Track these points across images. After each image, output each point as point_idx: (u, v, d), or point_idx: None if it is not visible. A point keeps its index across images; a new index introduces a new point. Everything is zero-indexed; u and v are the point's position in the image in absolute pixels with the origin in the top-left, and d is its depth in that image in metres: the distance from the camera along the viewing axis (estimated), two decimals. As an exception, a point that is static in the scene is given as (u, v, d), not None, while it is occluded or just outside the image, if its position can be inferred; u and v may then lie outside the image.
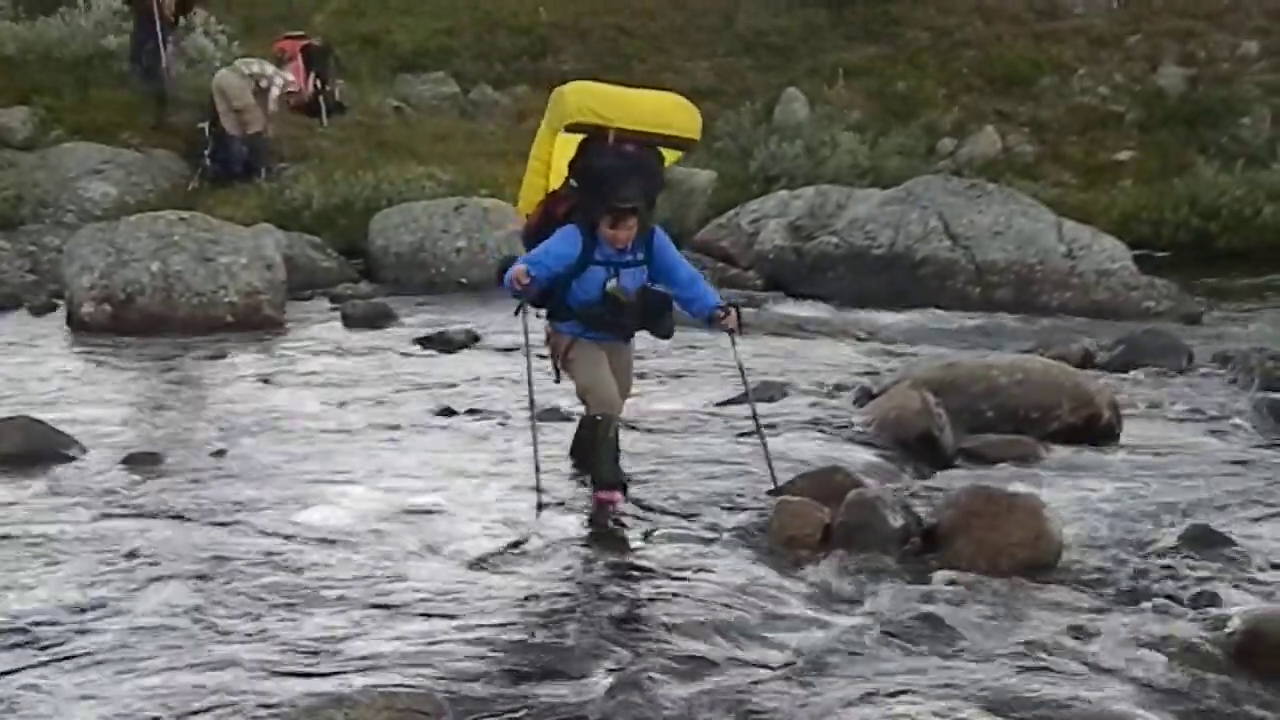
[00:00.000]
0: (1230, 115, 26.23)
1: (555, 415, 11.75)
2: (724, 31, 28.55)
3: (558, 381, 9.75)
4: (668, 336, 9.79)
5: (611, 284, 9.25)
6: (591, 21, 29.18)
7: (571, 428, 10.52)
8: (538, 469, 9.46)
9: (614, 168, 9.28)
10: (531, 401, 9.71)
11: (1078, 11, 29.75)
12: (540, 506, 9.28)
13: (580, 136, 9.46)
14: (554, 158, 9.61)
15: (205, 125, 23.38)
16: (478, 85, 28.56)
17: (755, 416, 10.01)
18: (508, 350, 14.95)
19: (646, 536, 8.93)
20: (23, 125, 23.74)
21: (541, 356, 9.71)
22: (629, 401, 10.04)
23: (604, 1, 30.47)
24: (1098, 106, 27.16)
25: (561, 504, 9.36)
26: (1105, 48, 28.45)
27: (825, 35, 29.20)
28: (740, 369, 10.07)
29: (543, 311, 9.63)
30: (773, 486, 9.65)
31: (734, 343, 9.75)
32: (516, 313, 9.43)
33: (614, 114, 9.45)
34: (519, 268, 9.05)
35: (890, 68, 28.32)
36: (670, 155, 9.82)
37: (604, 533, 9.02)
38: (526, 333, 9.52)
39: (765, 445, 9.88)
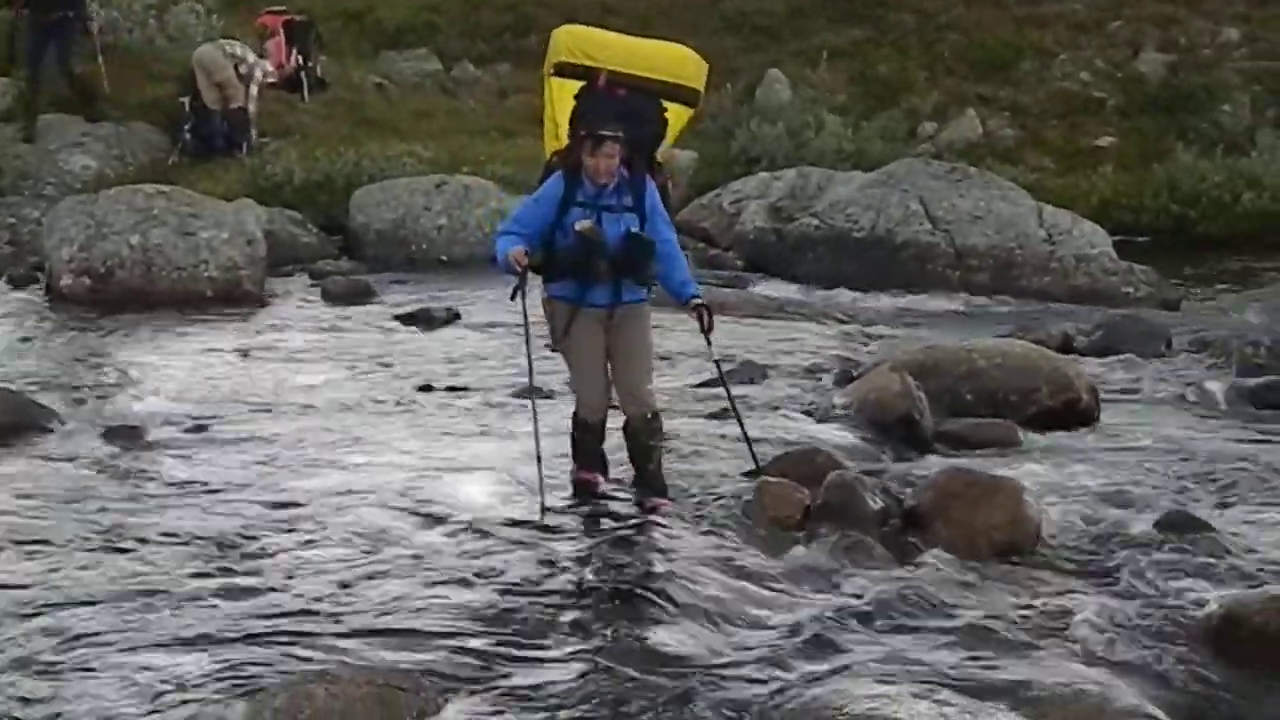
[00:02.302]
0: (1210, 102, 26.23)
1: (539, 393, 11.77)
2: (710, 11, 28.53)
3: (554, 349, 9.38)
4: (649, 284, 9.22)
5: (582, 223, 8.86)
6: (575, 0, 29.10)
7: (556, 404, 10.50)
8: (539, 460, 9.08)
9: (597, 105, 9.11)
10: (532, 387, 9.52)
11: (1060, -4, 29.80)
12: (544, 507, 8.95)
13: (578, 84, 9.26)
14: (556, 109, 9.36)
15: (186, 100, 23.26)
16: (460, 63, 28.46)
17: (732, 401, 9.90)
18: (488, 327, 14.97)
19: (628, 517, 8.94)
20: (2, 97, 23.63)
21: (539, 336, 9.38)
22: (661, 390, 9.67)
23: (588, -20, 30.46)
24: (1078, 92, 27.16)
25: (547, 487, 9.23)
26: (1086, 33, 28.45)
27: (810, 17, 29.15)
28: (718, 366, 9.96)
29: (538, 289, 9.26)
30: (753, 467, 9.64)
31: (709, 342, 9.40)
32: (513, 297, 9.04)
33: (603, 55, 9.29)
34: (516, 249, 8.84)
35: (873, 50, 28.29)
36: (679, 115, 9.45)
37: (585, 514, 9.02)
38: (526, 317, 9.20)
39: (744, 428, 9.78)
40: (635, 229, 8.96)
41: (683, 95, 9.45)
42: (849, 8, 29.47)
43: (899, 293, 18.35)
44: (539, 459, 9.08)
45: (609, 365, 9.23)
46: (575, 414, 9.40)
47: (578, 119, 9.17)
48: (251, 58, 23.54)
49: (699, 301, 9.25)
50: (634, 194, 9.01)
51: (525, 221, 9.06)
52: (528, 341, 9.32)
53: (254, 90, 23.30)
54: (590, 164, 8.84)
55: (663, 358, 12.80)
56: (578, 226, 8.86)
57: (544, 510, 8.91)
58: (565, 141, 9.21)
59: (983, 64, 27.96)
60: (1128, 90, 26.89)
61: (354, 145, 22.23)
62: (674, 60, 9.52)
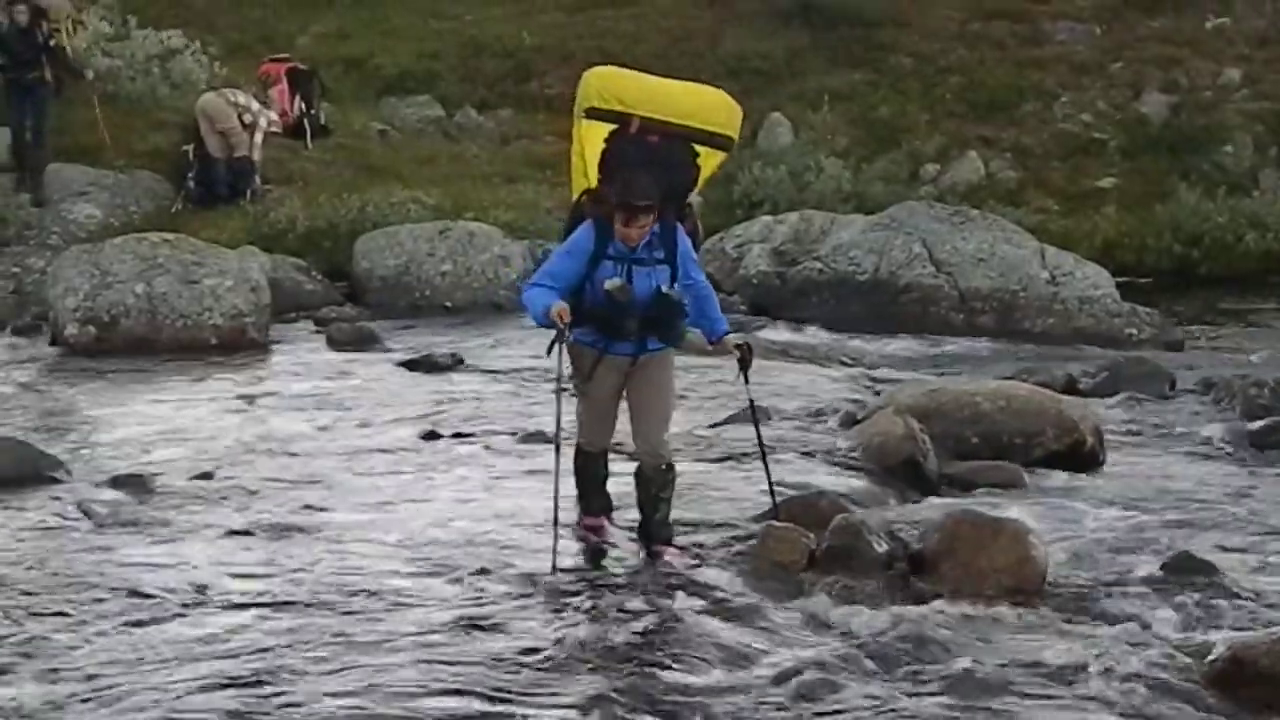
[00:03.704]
0: (1212, 142, 26.26)
1: (541, 439, 11.81)
2: (708, 56, 28.55)
3: (576, 393, 9.21)
4: (676, 344, 9.12)
5: (611, 282, 8.69)
6: (576, 45, 29.15)
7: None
8: (557, 509, 8.99)
9: (630, 160, 8.84)
10: (558, 439, 9.15)
11: (1061, 38, 29.83)
12: (556, 551, 8.86)
13: (609, 127, 9.00)
14: (586, 149, 9.05)
15: (190, 148, 23.33)
16: (462, 108, 28.54)
17: (761, 443, 9.80)
18: (492, 373, 14.99)
19: (633, 562, 8.95)
20: (7, 147, 23.65)
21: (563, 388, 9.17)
22: (677, 429, 9.57)
23: (588, 26, 30.51)
24: (1080, 133, 27.21)
25: (551, 531, 9.15)
26: (1088, 74, 28.50)
27: (809, 60, 29.22)
28: (752, 405, 9.81)
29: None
30: (774, 512, 9.54)
31: (746, 379, 9.33)
32: (550, 350, 8.89)
33: (636, 101, 9.02)
34: (561, 305, 8.60)
35: (874, 93, 28.35)
36: (711, 158, 9.19)
37: (591, 558, 9.03)
38: (560, 369, 8.94)
39: (768, 470, 9.70)
40: (667, 282, 8.81)
41: (717, 142, 9.22)
42: (848, 51, 29.53)
43: (902, 336, 18.33)
44: (556, 507, 8.97)
45: (628, 409, 9.16)
46: (577, 446, 9.34)
47: (609, 163, 8.95)
48: (255, 106, 23.63)
49: (738, 341, 9.25)
50: (665, 245, 8.84)
51: (557, 275, 8.84)
52: (559, 396, 9.09)
53: (258, 138, 23.38)
54: (623, 233, 8.66)
55: (681, 396, 12.81)
56: (607, 285, 8.70)
57: (555, 555, 8.83)
58: (594, 183, 9.00)
59: (984, 106, 28.02)
60: (1130, 131, 26.93)
61: (357, 192, 22.27)
62: (708, 106, 9.27)
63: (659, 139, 9.02)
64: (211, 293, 16.78)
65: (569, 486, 9.41)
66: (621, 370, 9.02)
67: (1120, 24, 29.97)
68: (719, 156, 9.32)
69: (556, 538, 8.92)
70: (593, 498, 9.47)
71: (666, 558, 8.95)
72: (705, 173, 9.27)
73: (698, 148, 9.15)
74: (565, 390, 9.11)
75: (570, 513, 9.41)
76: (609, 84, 9.18)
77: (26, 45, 21.59)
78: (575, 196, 9.25)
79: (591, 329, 8.91)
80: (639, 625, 7.85)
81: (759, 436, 9.85)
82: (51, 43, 22.09)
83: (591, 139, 9.08)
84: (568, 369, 9.01)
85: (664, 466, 9.17)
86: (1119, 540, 9.61)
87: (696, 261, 9.15)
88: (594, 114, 9.09)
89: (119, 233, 19.56)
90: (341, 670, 7.17)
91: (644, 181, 8.64)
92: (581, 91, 9.19)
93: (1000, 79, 28.50)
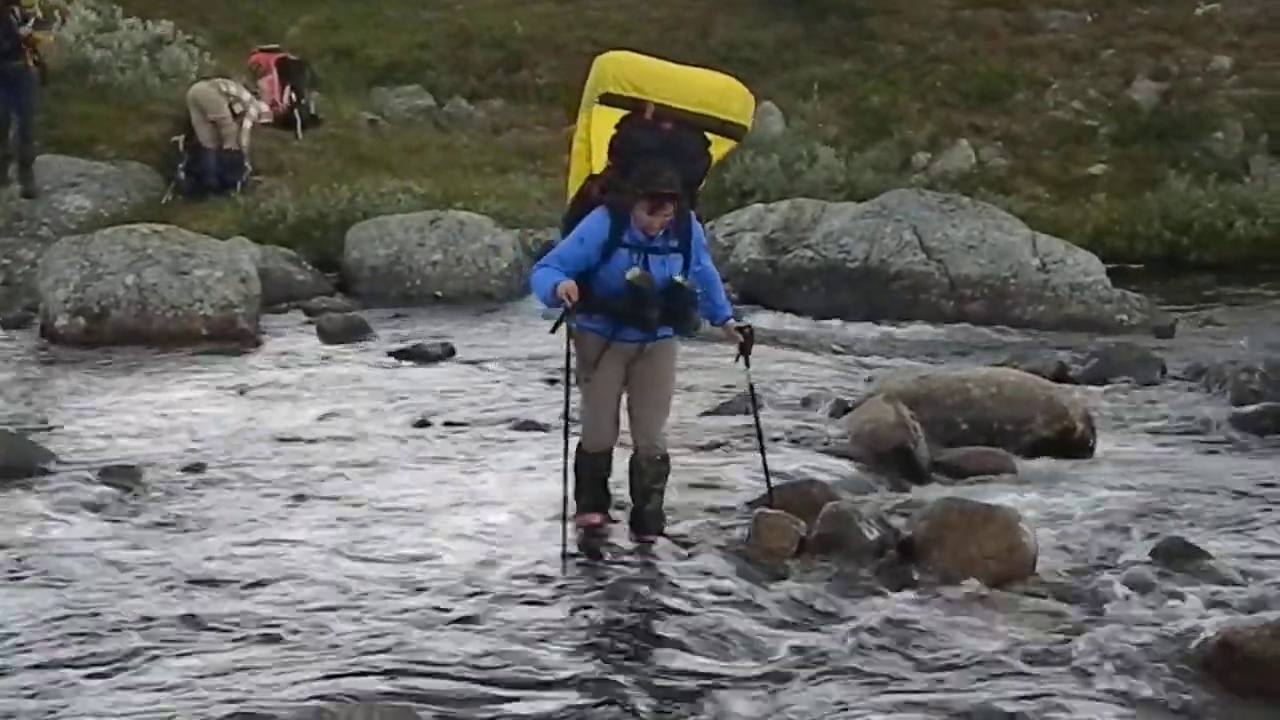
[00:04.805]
0: (1203, 130, 26.29)
1: (534, 426, 11.83)
2: (699, 45, 28.49)
3: (580, 384, 9.13)
4: (689, 333, 9.17)
5: (633, 272, 8.58)
6: (566, 35, 29.19)
7: (548, 439, 10.48)
8: (565, 500, 8.99)
9: (650, 148, 8.75)
10: (567, 422, 9.11)
11: (1052, 26, 29.85)
12: (565, 543, 8.83)
13: (621, 112, 8.90)
14: (593, 134, 8.96)
15: (180, 139, 23.28)
16: (452, 98, 28.52)
17: (759, 428, 9.77)
18: (483, 362, 14.99)
19: (628, 548, 8.94)
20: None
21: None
22: (673, 420, 9.53)
23: (578, 15, 30.52)
24: (1071, 121, 27.22)
25: (548, 523, 9.23)
26: (1079, 62, 28.53)
27: (800, 49, 29.24)
28: (751, 390, 9.77)
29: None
30: (768, 499, 9.50)
31: (747, 364, 9.35)
32: (554, 330, 8.86)
33: (652, 88, 8.94)
34: (569, 283, 8.55)
35: (864, 82, 28.37)
36: (721, 145, 9.11)
37: (585, 548, 9.02)
38: (569, 353, 8.98)
39: (765, 457, 9.68)
40: (680, 270, 8.77)
41: (730, 130, 9.16)
42: (839, 40, 29.54)
43: (893, 323, 18.37)
44: (565, 498, 8.99)
45: (627, 396, 9.10)
46: (580, 445, 9.25)
47: (620, 149, 8.87)
48: (246, 96, 23.58)
49: (739, 324, 9.26)
50: (680, 233, 8.79)
51: (568, 260, 8.76)
52: (568, 379, 9.13)
53: (247, 125, 23.33)
54: (645, 221, 8.60)
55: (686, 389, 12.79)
56: (629, 275, 8.61)
57: (565, 544, 8.82)
58: (599, 168, 8.94)
59: (975, 94, 28.03)
60: (1120, 119, 26.95)
61: (347, 182, 22.25)
62: (723, 94, 9.18)
63: (672, 126, 8.95)
64: (201, 284, 16.76)
65: (555, 473, 9.41)
66: (628, 356, 8.96)
67: (1111, 12, 30.03)
68: (729, 145, 9.27)
69: (566, 527, 8.91)
70: (590, 494, 9.34)
71: (657, 546, 8.95)
72: (715, 162, 9.22)
73: (709, 136, 9.09)
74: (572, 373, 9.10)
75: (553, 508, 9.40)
76: (625, 70, 9.09)
77: (3, 35, 21.36)
78: (574, 180, 9.17)
79: (601, 317, 8.83)
80: (632, 613, 7.86)
81: (757, 421, 9.82)
82: (30, 24, 21.79)
83: (601, 125, 8.99)
84: (561, 348, 9.00)
85: (659, 458, 9.16)
86: (1109, 526, 9.62)
87: (705, 246, 9.13)
88: (608, 100, 9.01)
89: (109, 224, 19.52)
90: (344, 659, 7.17)
91: (668, 170, 8.59)
92: (596, 76, 9.10)
93: (991, 67, 28.53)
